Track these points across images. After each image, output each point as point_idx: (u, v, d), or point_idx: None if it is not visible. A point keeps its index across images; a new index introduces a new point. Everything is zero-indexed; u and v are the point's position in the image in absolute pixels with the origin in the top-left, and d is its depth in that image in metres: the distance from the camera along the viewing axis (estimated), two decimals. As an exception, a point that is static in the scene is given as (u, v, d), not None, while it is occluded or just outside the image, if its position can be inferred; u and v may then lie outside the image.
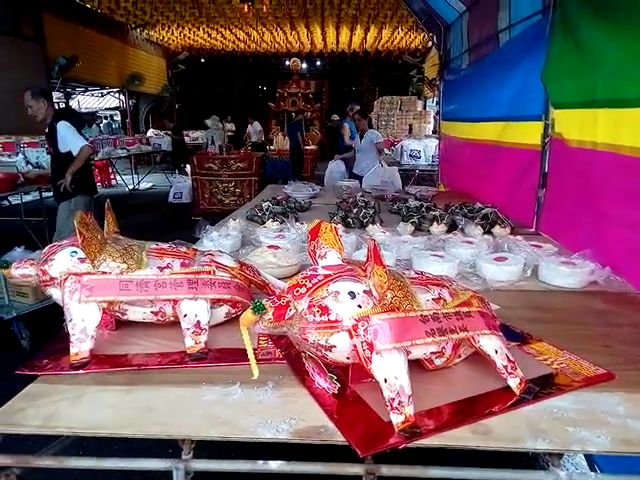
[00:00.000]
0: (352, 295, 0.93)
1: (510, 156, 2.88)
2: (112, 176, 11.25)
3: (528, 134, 2.61)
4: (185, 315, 1.18)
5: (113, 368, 1.11)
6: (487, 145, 3.23)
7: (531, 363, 1.13)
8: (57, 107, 10.60)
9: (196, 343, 1.16)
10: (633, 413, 0.95)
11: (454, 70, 4.34)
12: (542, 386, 1.04)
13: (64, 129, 3.82)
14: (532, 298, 1.61)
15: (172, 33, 13.09)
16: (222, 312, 1.29)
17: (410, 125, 9.85)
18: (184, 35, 13.29)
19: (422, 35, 11.14)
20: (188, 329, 1.18)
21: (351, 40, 13.35)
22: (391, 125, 9.98)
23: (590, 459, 1.87)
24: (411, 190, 3.81)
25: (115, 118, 16.49)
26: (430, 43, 10.33)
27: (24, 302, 2.97)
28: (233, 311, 1.32)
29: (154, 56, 14.89)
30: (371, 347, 0.90)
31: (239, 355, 1.12)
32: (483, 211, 2.53)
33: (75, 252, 1.18)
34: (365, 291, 0.95)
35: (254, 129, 12.14)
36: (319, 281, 0.96)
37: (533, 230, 2.55)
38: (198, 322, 1.18)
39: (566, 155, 2.17)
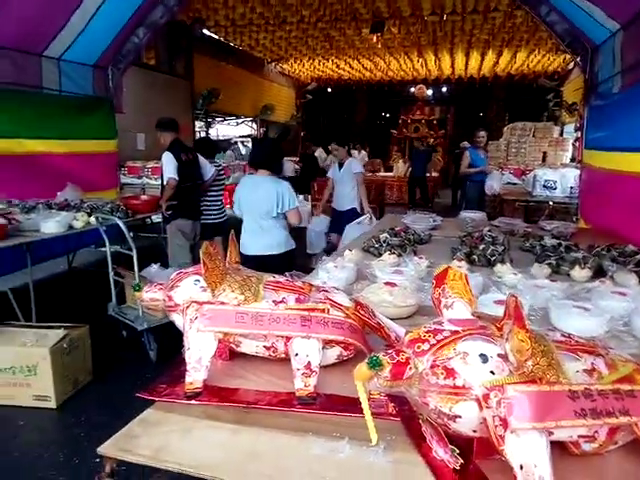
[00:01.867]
0: (484, 358, 0.80)
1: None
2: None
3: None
4: (296, 354, 1.14)
5: (224, 402, 1.10)
6: (643, 178, 2.80)
7: None
8: (198, 136, 11.80)
9: (305, 386, 1.11)
10: None
11: (603, 95, 3.89)
12: None
13: (164, 160, 4.15)
14: None
15: (303, 65, 13.87)
16: (334, 354, 1.23)
17: (544, 153, 9.08)
18: (314, 67, 13.99)
19: (562, 57, 10.34)
20: (298, 369, 1.13)
21: (481, 65, 12.88)
22: (522, 153, 9.29)
23: None
24: (545, 225, 3.42)
25: (246, 144, 17.82)
26: (571, 65, 9.55)
27: (155, 316, 3.23)
28: (345, 353, 1.24)
29: (285, 87, 15.89)
30: (505, 424, 0.76)
31: (349, 404, 1.05)
32: (638, 256, 2.16)
33: (198, 280, 1.21)
34: (500, 355, 0.81)
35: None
36: (445, 338, 0.84)
37: None
38: (309, 363, 1.13)
39: None
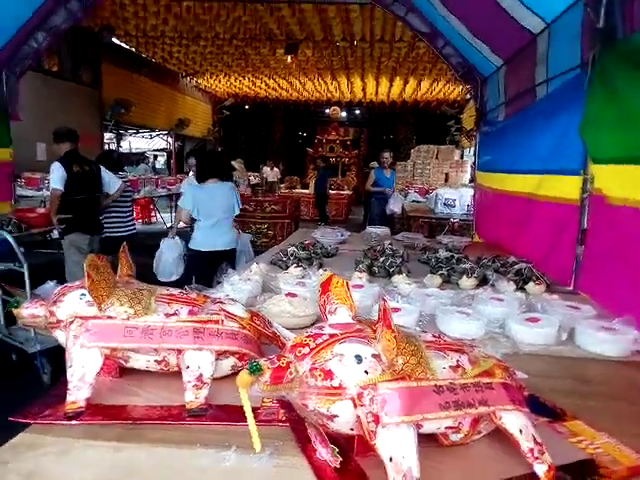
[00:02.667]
0: (359, 359, 0.86)
1: (547, 210, 2.76)
2: (153, 214, 11.64)
3: (565, 188, 2.50)
4: (188, 367, 1.13)
5: (108, 420, 1.06)
6: (523, 197, 3.13)
7: (563, 446, 1.00)
8: (107, 148, 11.22)
9: (196, 398, 1.10)
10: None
11: (491, 122, 4.30)
12: (574, 475, 0.91)
13: (51, 169, 3.95)
14: (567, 366, 1.47)
15: (219, 81, 13.79)
16: (228, 365, 1.23)
17: (446, 174, 9.82)
18: (230, 83, 13.96)
19: (460, 87, 11.26)
20: (189, 382, 1.12)
21: (390, 90, 13.66)
22: (427, 173, 9.99)
23: None
24: (443, 240, 3.71)
25: (159, 159, 17.25)
26: (468, 95, 10.42)
27: (49, 337, 2.99)
28: (240, 364, 1.25)
29: (201, 102, 15.67)
30: (377, 419, 0.82)
31: (242, 414, 1.05)
32: (517, 266, 2.40)
33: (84, 294, 1.16)
34: (374, 355, 0.87)
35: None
36: (324, 341, 0.89)
37: (571, 289, 2.39)
38: (201, 375, 1.13)
39: (607, 212, 2.05)
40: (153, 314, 1.17)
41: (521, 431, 0.91)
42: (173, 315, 1.18)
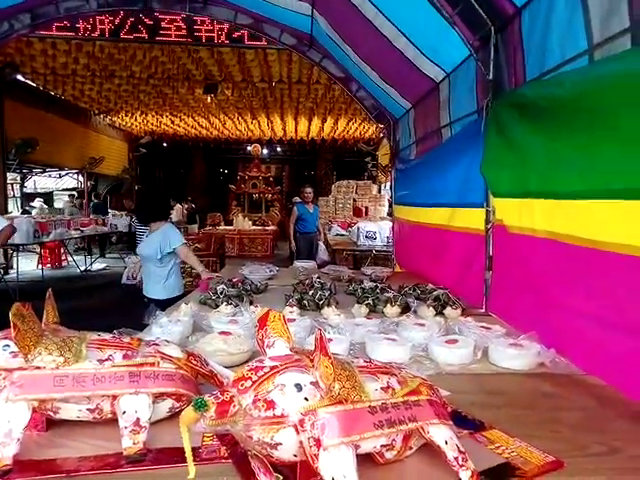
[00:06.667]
0: (299, 387, 0.91)
1: (459, 239, 3.02)
2: (63, 257, 10.91)
3: (473, 219, 2.77)
4: (124, 412, 1.11)
5: (41, 475, 1.01)
6: (437, 228, 3.39)
7: (483, 453, 1.11)
8: (10, 188, 10.44)
9: (134, 443, 1.08)
10: (584, 504, 0.94)
11: (404, 159, 4.64)
12: (494, 478, 1.02)
13: None
14: (483, 382, 1.62)
15: (135, 119, 13.50)
16: (165, 407, 1.22)
17: (366, 208, 10.30)
18: (147, 121, 13.72)
19: (375, 126, 11.99)
20: (126, 427, 1.10)
21: (309, 129, 14.17)
22: (348, 208, 10.42)
23: None
24: (367, 271, 3.88)
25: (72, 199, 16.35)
26: (382, 134, 11.13)
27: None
28: (177, 405, 1.25)
29: (116, 139, 15.20)
30: (318, 443, 0.87)
31: (182, 455, 1.05)
32: (435, 292, 2.59)
33: (8, 346, 1.12)
34: (312, 382, 0.93)
35: None
36: (265, 373, 0.93)
37: (483, 311, 2.62)
38: (138, 419, 1.11)
39: (508, 240, 2.31)
40: (85, 361, 1.14)
41: (446, 442, 1.01)
42: (107, 360, 1.16)
